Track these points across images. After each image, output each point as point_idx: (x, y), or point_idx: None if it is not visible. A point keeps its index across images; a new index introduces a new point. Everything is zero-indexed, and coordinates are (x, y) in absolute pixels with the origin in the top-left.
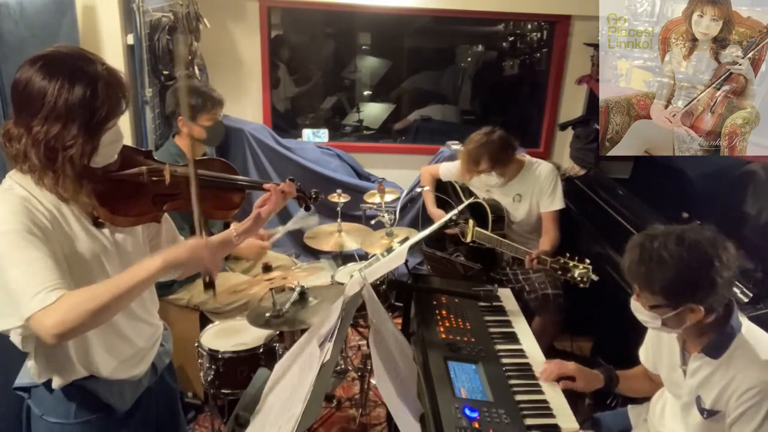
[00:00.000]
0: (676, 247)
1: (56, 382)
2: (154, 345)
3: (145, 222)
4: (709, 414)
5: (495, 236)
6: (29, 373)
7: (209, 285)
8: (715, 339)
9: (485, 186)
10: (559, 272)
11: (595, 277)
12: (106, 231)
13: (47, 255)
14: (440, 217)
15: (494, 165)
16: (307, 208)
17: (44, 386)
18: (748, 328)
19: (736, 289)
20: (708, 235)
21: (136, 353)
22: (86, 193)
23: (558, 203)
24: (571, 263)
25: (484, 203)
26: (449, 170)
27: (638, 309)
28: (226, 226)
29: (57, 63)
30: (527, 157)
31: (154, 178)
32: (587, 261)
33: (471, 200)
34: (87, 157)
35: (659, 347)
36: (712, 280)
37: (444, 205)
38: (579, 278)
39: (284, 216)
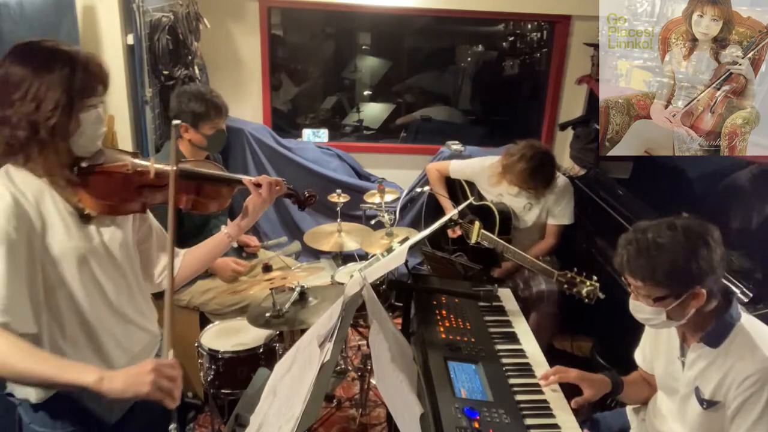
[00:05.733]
0: (669, 232)
1: (34, 399)
2: (150, 355)
3: (130, 211)
4: (708, 404)
5: (501, 241)
6: (11, 386)
7: (171, 412)
8: (715, 328)
9: (499, 191)
10: (565, 286)
11: (601, 296)
12: (92, 228)
13: (12, 272)
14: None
15: (545, 190)
16: (301, 207)
17: (26, 401)
18: (747, 319)
19: (736, 289)
20: (693, 219)
21: (130, 362)
22: (71, 174)
23: (568, 218)
24: (579, 279)
25: (492, 206)
26: (461, 168)
27: (639, 308)
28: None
29: (30, 51)
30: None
31: (139, 170)
32: (595, 278)
33: (473, 199)
34: (67, 128)
35: (657, 344)
36: (710, 259)
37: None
38: (586, 295)
39: (290, 227)
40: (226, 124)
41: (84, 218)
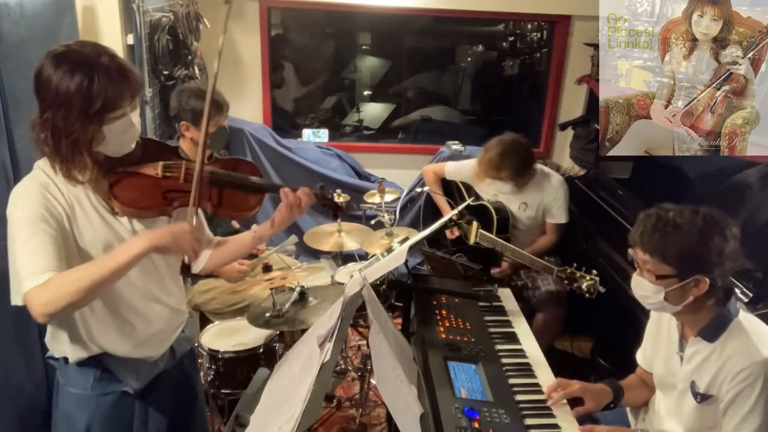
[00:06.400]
0: (690, 215)
1: (71, 358)
2: (175, 330)
3: (152, 215)
4: (702, 398)
5: (499, 240)
6: (50, 347)
7: (186, 268)
8: (712, 321)
9: (494, 192)
10: (566, 282)
11: (602, 289)
12: (123, 220)
13: (51, 241)
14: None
15: (516, 176)
16: (336, 217)
17: (63, 359)
18: (745, 316)
19: (736, 289)
20: (716, 210)
21: (154, 335)
22: (97, 180)
23: (562, 218)
24: (578, 274)
25: (488, 205)
26: (457, 170)
27: (640, 285)
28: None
29: (65, 55)
30: (539, 167)
31: (167, 174)
32: (594, 272)
33: (471, 200)
34: (88, 144)
35: (657, 341)
36: (721, 251)
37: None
38: (586, 290)
39: (290, 227)
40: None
41: (115, 212)
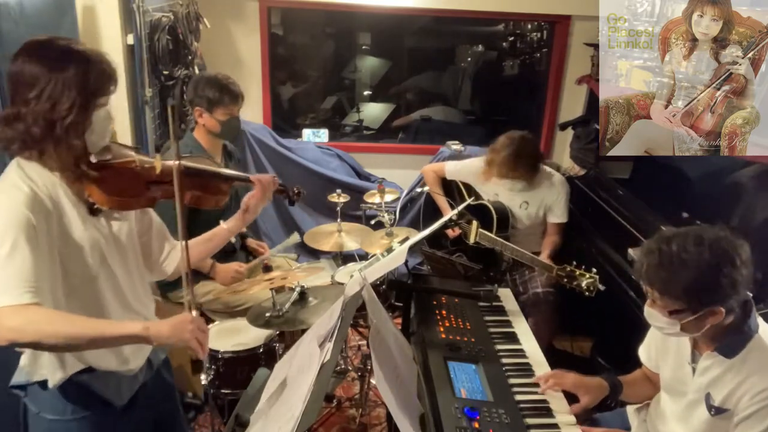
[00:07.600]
0: (696, 248)
1: (52, 381)
2: None
3: (139, 206)
4: (717, 411)
5: (499, 239)
6: (24, 371)
7: (197, 366)
8: (731, 339)
9: (494, 191)
10: (565, 280)
11: (602, 287)
12: (102, 220)
13: (34, 254)
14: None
15: (530, 175)
16: (291, 203)
17: (39, 384)
18: (765, 329)
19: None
20: (724, 234)
21: (135, 346)
22: (84, 169)
23: (563, 216)
24: (578, 272)
25: (489, 205)
26: (457, 170)
27: (654, 317)
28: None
29: (49, 44)
30: (540, 166)
31: (146, 165)
32: (594, 270)
33: (471, 200)
34: (82, 126)
35: (664, 345)
36: (734, 280)
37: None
38: (586, 288)
39: (290, 226)
40: None
41: (93, 211)
